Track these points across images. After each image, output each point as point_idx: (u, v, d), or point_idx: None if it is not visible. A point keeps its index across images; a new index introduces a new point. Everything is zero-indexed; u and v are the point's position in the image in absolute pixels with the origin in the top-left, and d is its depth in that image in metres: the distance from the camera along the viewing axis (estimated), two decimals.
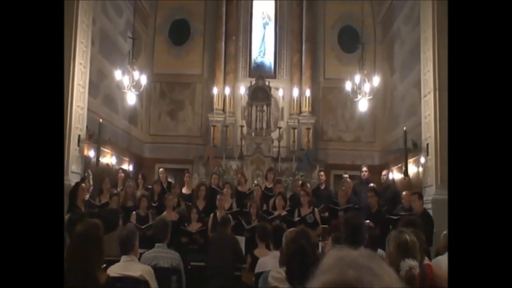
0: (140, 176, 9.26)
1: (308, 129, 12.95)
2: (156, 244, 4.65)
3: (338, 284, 0.84)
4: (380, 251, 4.31)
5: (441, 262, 3.84)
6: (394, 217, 6.78)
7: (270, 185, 9.24)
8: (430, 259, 4.46)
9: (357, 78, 9.96)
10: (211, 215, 7.59)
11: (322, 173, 10.00)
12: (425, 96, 8.76)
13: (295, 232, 3.72)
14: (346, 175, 10.22)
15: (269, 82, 12.95)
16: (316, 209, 7.78)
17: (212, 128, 13.03)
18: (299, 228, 3.62)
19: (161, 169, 9.94)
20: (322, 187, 9.78)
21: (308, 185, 9.25)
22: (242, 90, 12.90)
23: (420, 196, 7.19)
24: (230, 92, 13.20)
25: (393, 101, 12.74)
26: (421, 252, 3.31)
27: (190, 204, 8.09)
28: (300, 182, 9.62)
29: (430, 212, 7.42)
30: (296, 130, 13.09)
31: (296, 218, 7.62)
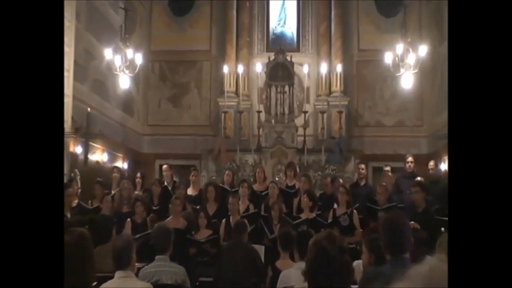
0: (138, 175, 9.34)
1: (339, 112, 12.89)
2: (157, 257, 4.70)
3: None
4: (428, 258, 4.31)
5: None
6: (446, 218, 6.71)
7: (291, 183, 9.24)
8: None
9: (399, 48, 9.86)
10: (223, 220, 7.62)
11: (362, 165, 9.98)
12: None
13: (318, 235, 3.75)
14: (387, 168, 10.17)
15: (291, 57, 12.91)
16: (355, 211, 7.79)
17: (223, 115, 13.08)
18: (325, 231, 3.66)
19: (165, 166, 9.98)
20: (362, 183, 9.76)
21: (341, 180, 9.22)
22: (259, 67, 12.89)
23: None
24: (244, 71, 13.23)
25: (444, 75, 12.57)
26: None
27: (197, 207, 8.14)
28: (329, 178, 9.59)
29: None
30: (325, 115, 13.06)
31: (329, 220, 7.63)
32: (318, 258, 3.26)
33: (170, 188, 9.03)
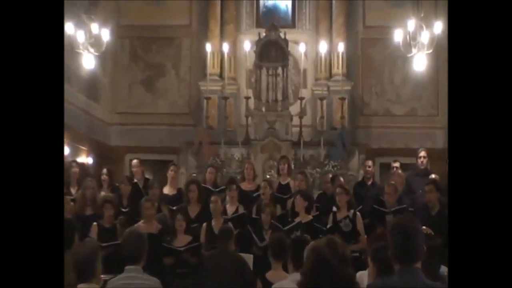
0: (104, 171, 9.30)
1: (342, 99, 12.87)
2: (127, 267, 4.67)
3: None
4: (444, 268, 4.33)
5: None
6: None
7: (285, 181, 9.24)
8: None
9: (411, 24, 9.87)
10: (204, 225, 7.63)
11: (369, 162, 10.06)
12: None
13: (317, 241, 3.76)
14: (396, 164, 10.20)
15: (285, 34, 12.86)
16: (358, 213, 7.83)
17: (205, 102, 13.05)
18: (325, 238, 3.66)
19: (134, 161, 9.98)
20: (369, 182, 9.81)
21: (342, 179, 9.24)
22: (247, 46, 12.85)
23: None
24: (230, 49, 13.18)
25: None
26: None
27: (175, 209, 8.14)
28: (330, 175, 9.61)
29: None
30: (325, 102, 13.05)
31: (329, 225, 7.66)
32: (316, 268, 3.26)
33: (141, 187, 9.02)
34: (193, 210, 8.15)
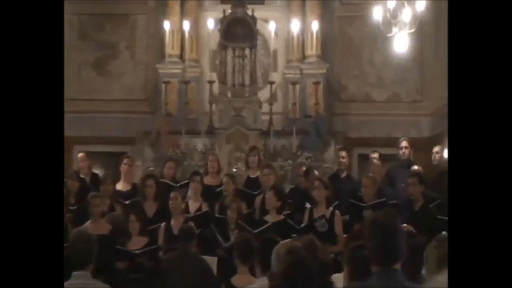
0: None
1: (316, 83, 12.94)
2: (73, 273, 4.65)
3: None
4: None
5: None
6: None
7: (254, 174, 9.27)
8: None
9: (391, 1, 9.89)
10: (162, 225, 7.62)
11: (343, 153, 10.10)
12: None
13: (294, 243, 3.77)
14: (374, 155, 10.28)
15: (253, 11, 12.85)
16: (337, 212, 7.91)
17: (163, 86, 13.01)
18: (304, 239, 3.68)
19: (80, 154, 9.96)
20: (343, 175, 9.88)
21: (316, 172, 9.30)
22: (211, 24, 12.84)
23: None
24: (192, 28, 13.11)
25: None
26: None
27: (130, 206, 8.13)
28: (304, 168, 9.65)
29: None
30: (297, 87, 13.11)
31: (303, 224, 7.71)
32: (291, 273, 3.26)
33: (87, 182, 9.00)
34: (150, 208, 8.15)
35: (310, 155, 11.66)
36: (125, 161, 9.38)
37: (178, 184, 8.82)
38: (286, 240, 4.73)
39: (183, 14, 13.56)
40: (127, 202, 8.25)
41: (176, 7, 13.68)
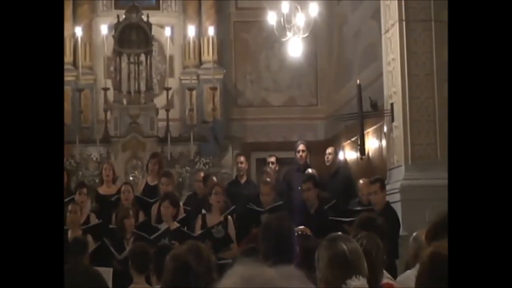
0: None
1: (213, 89, 12.96)
2: None
3: None
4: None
5: (409, 280, 4.02)
6: (345, 219, 7.01)
7: (154, 182, 9.17)
8: (394, 275, 4.68)
9: (285, 5, 10.00)
10: None
11: (241, 158, 10.17)
12: (386, 31, 9.01)
13: (178, 248, 3.73)
14: (271, 159, 10.35)
15: (148, 17, 12.78)
16: (229, 218, 7.95)
17: None
18: (186, 244, 3.63)
19: None
20: (243, 180, 9.90)
21: (214, 178, 9.30)
22: (105, 30, 12.73)
23: (383, 185, 7.55)
24: (85, 34, 12.99)
25: (342, 41, 13.00)
26: (377, 265, 3.44)
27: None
28: (202, 174, 9.62)
29: (399, 206, 7.90)
30: (194, 92, 13.15)
31: (198, 232, 7.70)
32: (178, 277, 3.21)
33: None
34: None
35: (208, 161, 11.69)
36: None
37: (66, 199, 8.56)
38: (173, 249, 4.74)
39: (75, 20, 13.37)
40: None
41: (67, 12, 13.32)
